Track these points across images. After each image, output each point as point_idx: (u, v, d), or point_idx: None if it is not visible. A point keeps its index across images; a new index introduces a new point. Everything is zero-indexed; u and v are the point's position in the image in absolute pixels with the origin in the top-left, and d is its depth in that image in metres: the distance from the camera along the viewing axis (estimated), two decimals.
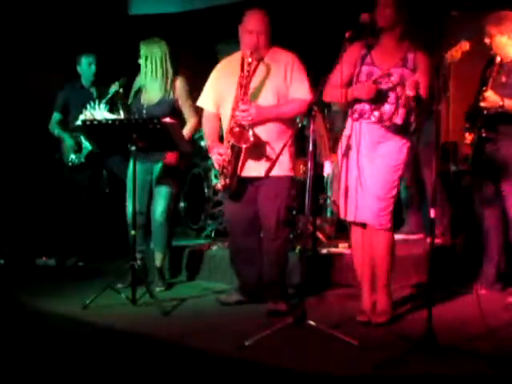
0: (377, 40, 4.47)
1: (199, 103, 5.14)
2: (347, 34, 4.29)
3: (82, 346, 4.36)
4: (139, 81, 5.60)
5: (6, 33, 7.24)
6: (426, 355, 3.77)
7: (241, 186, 4.87)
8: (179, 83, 5.57)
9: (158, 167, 5.50)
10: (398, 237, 6.21)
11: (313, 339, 4.14)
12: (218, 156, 4.81)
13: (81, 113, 5.44)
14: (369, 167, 4.45)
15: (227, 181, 4.83)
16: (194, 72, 7.66)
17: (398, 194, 4.61)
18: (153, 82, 5.53)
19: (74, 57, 6.64)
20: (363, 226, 4.58)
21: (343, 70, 4.39)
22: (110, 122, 5.00)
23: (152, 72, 5.50)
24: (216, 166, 4.93)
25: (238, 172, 4.80)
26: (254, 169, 4.80)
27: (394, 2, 4.38)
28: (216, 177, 4.87)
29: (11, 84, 7.29)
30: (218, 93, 4.97)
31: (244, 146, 4.69)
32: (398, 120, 4.33)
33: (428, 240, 4.13)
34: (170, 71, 5.54)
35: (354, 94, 4.41)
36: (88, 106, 5.16)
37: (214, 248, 6.24)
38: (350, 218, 4.58)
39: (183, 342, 4.27)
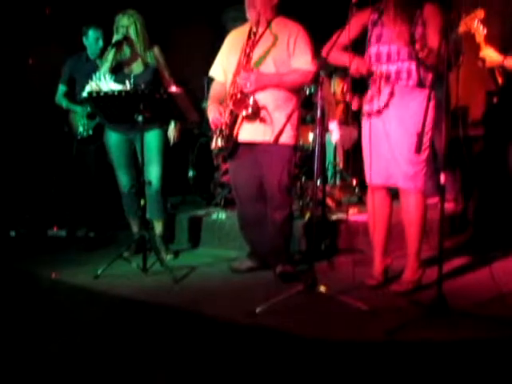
0: (386, 4, 4.41)
1: (210, 73, 5.16)
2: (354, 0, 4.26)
3: (94, 316, 4.37)
4: (112, 53, 5.53)
5: (8, 7, 7.20)
6: (436, 320, 3.79)
7: (238, 150, 4.91)
8: (157, 52, 5.61)
9: (147, 136, 5.43)
10: None
11: (323, 305, 4.18)
12: (218, 115, 4.83)
13: (87, 84, 5.41)
14: (396, 129, 4.39)
15: (223, 143, 4.86)
16: (199, 42, 7.73)
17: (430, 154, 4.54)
18: (130, 51, 5.55)
19: (76, 28, 6.61)
20: (386, 191, 4.57)
21: (350, 31, 4.35)
22: (116, 93, 4.99)
23: (126, 40, 5.50)
24: (212, 126, 4.93)
25: (235, 135, 4.84)
26: (252, 134, 4.82)
27: None
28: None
29: (14, 59, 7.26)
30: (226, 62, 5.00)
31: (243, 113, 4.72)
32: (414, 77, 4.32)
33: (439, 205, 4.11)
34: (148, 41, 5.57)
35: (356, 69, 4.40)
36: (93, 77, 5.14)
37: (214, 215, 6.27)
38: (376, 182, 4.54)
39: (195, 310, 4.30)
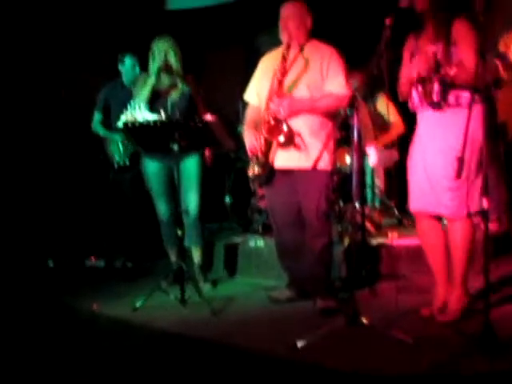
0: (421, 26, 4.31)
1: (245, 97, 5.13)
2: (387, 21, 4.14)
3: (132, 349, 4.33)
4: (149, 79, 5.51)
5: (46, 33, 7.24)
6: (484, 353, 3.64)
7: (275, 177, 4.84)
8: (191, 78, 5.57)
9: (185, 163, 5.43)
10: None
11: (366, 338, 4.05)
12: (254, 141, 4.78)
13: (122, 112, 5.40)
14: (434, 154, 4.25)
15: (260, 170, 4.81)
16: (233, 65, 7.70)
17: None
18: (169, 79, 5.51)
19: (112, 55, 6.61)
20: (431, 216, 4.42)
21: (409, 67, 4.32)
22: (151, 123, 4.95)
23: (166, 66, 5.45)
24: (249, 152, 4.88)
25: (271, 162, 4.78)
26: (288, 160, 4.75)
27: None
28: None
29: (52, 85, 7.29)
30: (259, 86, 4.96)
31: (277, 140, 4.65)
32: (451, 100, 4.16)
33: (482, 226, 3.96)
34: (182, 66, 5.52)
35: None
36: (128, 107, 5.11)
37: (251, 243, 6.20)
38: (417, 209, 4.41)
39: (234, 343, 4.23)
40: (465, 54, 4.09)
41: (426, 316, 4.39)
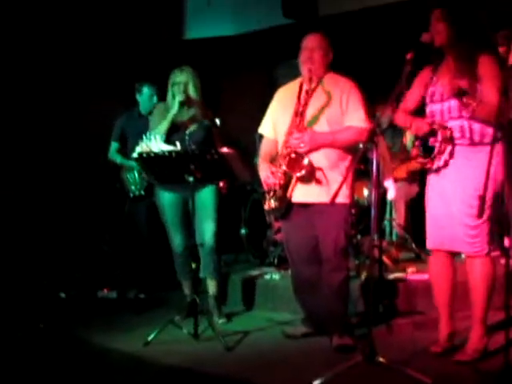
0: (441, 60, 4.26)
1: (260, 130, 5.06)
2: (408, 56, 4.09)
3: None
4: (169, 111, 5.45)
5: (67, 60, 7.26)
6: None
7: (292, 211, 4.75)
8: (210, 113, 5.54)
9: (200, 193, 5.38)
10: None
11: (383, 377, 3.94)
12: (270, 175, 4.70)
13: (138, 142, 5.37)
14: (455, 192, 4.18)
15: (276, 203, 4.72)
16: (251, 95, 7.66)
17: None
18: (188, 111, 5.49)
19: (130, 84, 6.59)
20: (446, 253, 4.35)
21: (413, 94, 4.31)
22: (166, 153, 4.89)
23: (184, 98, 5.41)
24: (264, 186, 4.81)
25: (289, 197, 4.69)
26: (307, 195, 4.66)
27: (444, 16, 4.13)
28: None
29: (68, 113, 7.29)
30: (276, 119, 4.89)
31: (298, 174, 4.57)
32: (475, 137, 4.10)
33: (503, 261, 3.87)
34: (201, 97, 5.50)
35: (413, 131, 4.32)
36: (144, 137, 5.07)
37: (267, 276, 6.12)
38: (437, 247, 4.34)
39: (247, 381, 4.13)
40: (488, 90, 4.03)
41: (437, 352, 4.30)
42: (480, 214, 3.80)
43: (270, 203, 4.75)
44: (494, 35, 4.61)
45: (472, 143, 4.12)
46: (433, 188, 4.32)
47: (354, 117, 4.65)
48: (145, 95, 6.45)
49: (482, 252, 4.16)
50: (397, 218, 6.70)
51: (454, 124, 4.15)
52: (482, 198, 3.76)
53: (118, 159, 6.51)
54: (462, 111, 4.06)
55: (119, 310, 6.16)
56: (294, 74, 4.90)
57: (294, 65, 4.87)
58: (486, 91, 4.03)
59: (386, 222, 6.68)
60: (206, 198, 5.45)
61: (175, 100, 5.40)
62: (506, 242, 3.72)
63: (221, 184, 5.62)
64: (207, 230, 5.46)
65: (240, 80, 7.90)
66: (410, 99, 4.36)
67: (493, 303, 4.28)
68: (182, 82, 5.44)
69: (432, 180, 4.33)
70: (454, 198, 4.18)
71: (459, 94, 3.99)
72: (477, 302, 4.22)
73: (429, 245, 4.39)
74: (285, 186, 4.68)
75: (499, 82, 4.04)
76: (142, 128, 5.69)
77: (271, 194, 4.74)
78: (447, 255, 4.36)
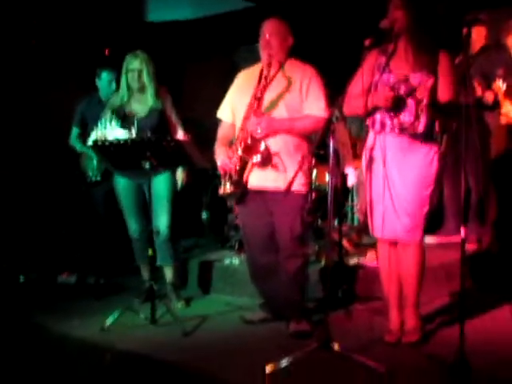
0: (395, 46, 4.24)
1: (218, 114, 5.00)
2: (367, 42, 4.09)
3: (98, 371, 4.26)
4: (120, 95, 5.45)
5: (20, 47, 7.15)
6: (457, 381, 3.57)
7: (248, 196, 4.74)
8: (165, 93, 5.49)
9: (156, 182, 5.33)
10: (434, 240, 6.07)
11: (337, 365, 3.94)
12: (226, 160, 4.67)
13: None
14: (398, 181, 4.22)
15: (232, 188, 4.70)
16: (214, 79, 7.61)
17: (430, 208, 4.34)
18: (139, 95, 5.44)
19: (91, 67, 6.52)
20: (390, 241, 4.38)
21: (360, 80, 4.21)
22: (121, 141, 4.84)
23: (139, 85, 5.38)
24: (220, 170, 4.78)
25: (244, 182, 4.68)
26: (263, 181, 4.64)
27: (403, 4, 4.13)
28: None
29: (29, 99, 7.20)
30: (235, 103, 4.84)
31: (254, 159, 4.55)
32: (420, 127, 4.12)
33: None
34: (155, 82, 5.43)
35: (374, 103, 4.20)
36: (99, 124, 5.01)
37: (227, 260, 6.13)
38: (377, 235, 4.38)
39: (204, 368, 4.10)
40: (445, 87, 4.11)
41: (391, 342, 4.33)
42: (422, 203, 3.87)
43: (226, 188, 4.72)
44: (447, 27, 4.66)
45: (419, 137, 4.15)
46: (377, 175, 4.30)
47: (313, 105, 4.62)
48: (103, 80, 6.38)
49: (418, 240, 4.27)
50: (358, 203, 6.72)
51: (403, 117, 4.17)
52: (425, 188, 3.86)
53: (78, 146, 6.43)
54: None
55: (78, 295, 6.11)
56: (256, 58, 4.84)
57: (255, 49, 4.82)
58: (442, 87, 4.10)
59: (348, 208, 6.68)
60: (160, 188, 5.42)
61: (125, 85, 5.39)
62: (462, 232, 3.76)
63: (183, 174, 5.59)
64: (162, 221, 5.44)
65: (202, 64, 7.85)
66: (358, 85, 4.23)
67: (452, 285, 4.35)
68: (136, 69, 5.38)
69: (374, 167, 4.32)
70: (400, 184, 4.21)
71: (396, 101, 4.09)
72: (410, 289, 4.32)
73: (374, 232, 4.42)
74: (241, 171, 4.65)
75: (455, 78, 4.12)
76: (101, 114, 5.64)
77: (227, 178, 4.71)
78: (391, 244, 4.40)
